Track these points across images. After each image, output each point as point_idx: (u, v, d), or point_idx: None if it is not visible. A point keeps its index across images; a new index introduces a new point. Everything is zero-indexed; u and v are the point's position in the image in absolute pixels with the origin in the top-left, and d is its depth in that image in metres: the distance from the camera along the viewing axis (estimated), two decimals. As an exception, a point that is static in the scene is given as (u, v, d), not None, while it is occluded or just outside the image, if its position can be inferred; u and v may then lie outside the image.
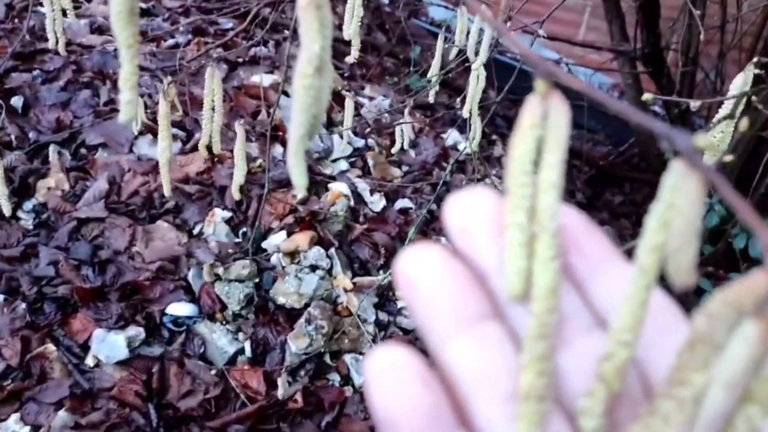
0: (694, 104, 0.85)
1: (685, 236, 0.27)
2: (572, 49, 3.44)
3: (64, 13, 1.35)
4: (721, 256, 2.38)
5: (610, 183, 3.04)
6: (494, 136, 2.75)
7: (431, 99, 1.61)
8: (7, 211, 1.32)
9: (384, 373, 0.28)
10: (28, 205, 1.90)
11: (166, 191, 1.16)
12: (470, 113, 1.38)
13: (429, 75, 1.56)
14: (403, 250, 0.30)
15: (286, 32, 2.66)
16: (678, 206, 0.27)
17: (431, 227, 2.12)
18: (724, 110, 0.95)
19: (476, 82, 1.30)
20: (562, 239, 0.31)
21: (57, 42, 1.32)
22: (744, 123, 0.87)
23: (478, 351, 0.29)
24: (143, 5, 2.61)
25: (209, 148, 1.24)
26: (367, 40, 2.97)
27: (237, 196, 1.25)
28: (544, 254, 0.30)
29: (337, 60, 2.76)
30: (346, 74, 2.70)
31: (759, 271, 0.24)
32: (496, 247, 0.30)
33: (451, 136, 2.49)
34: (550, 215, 0.30)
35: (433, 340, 0.29)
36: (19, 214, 1.88)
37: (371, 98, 2.49)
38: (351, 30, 1.11)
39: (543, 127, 0.32)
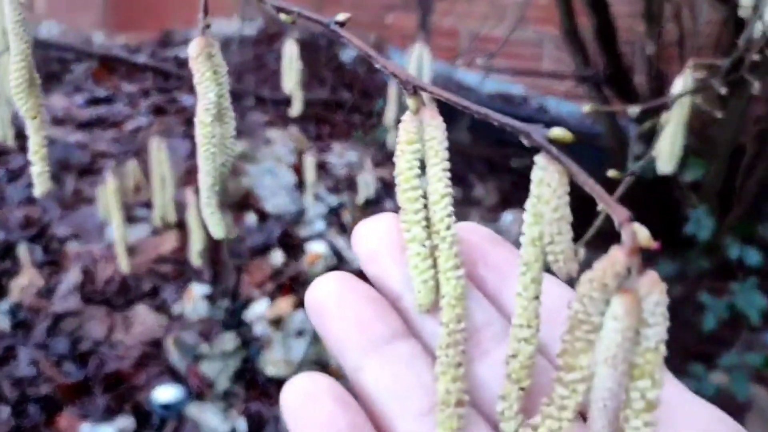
0: (632, 110, 0.84)
1: (556, 226, 0.28)
2: (538, 82, 3.48)
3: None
4: (718, 268, 2.36)
5: (592, 207, 3.03)
6: (473, 179, 2.75)
7: (390, 144, 1.61)
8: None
9: (299, 402, 0.28)
10: (4, 306, 1.86)
11: (122, 263, 1.14)
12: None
13: (385, 122, 1.55)
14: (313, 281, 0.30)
15: (248, 102, 2.67)
16: (544, 197, 0.28)
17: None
18: (671, 114, 0.94)
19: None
20: (471, 253, 0.32)
21: (6, 136, 1.30)
22: (665, 117, 0.86)
23: (390, 370, 0.29)
24: (102, 93, 2.62)
25: (164, 219, 1.22)
26: (332, 98, 2.99)
27: (197, 262, 1.22)
28: (446, 264, 0.31)
29: (303, 122, 2.77)
30: (313, 134, 2.70)
31: (617, 247, 0.25)
32: (403, 267, 0.31)
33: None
34: (445, 225, 0.31)
35: (347, 365, 0.30)
36: (-5, 316, 1.84)
37: (340, 155, 2.48)
38: (291, 83, 1.09)
39: (422, 141, 0.33)
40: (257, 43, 3.25)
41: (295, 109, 1.28)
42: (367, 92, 2.86)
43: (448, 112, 0.34)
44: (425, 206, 0.32)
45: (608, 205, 0.26)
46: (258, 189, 2.16)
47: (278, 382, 1.73)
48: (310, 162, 1.64)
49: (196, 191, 1.24)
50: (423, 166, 0.34)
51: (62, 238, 2.02)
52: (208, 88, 0.43)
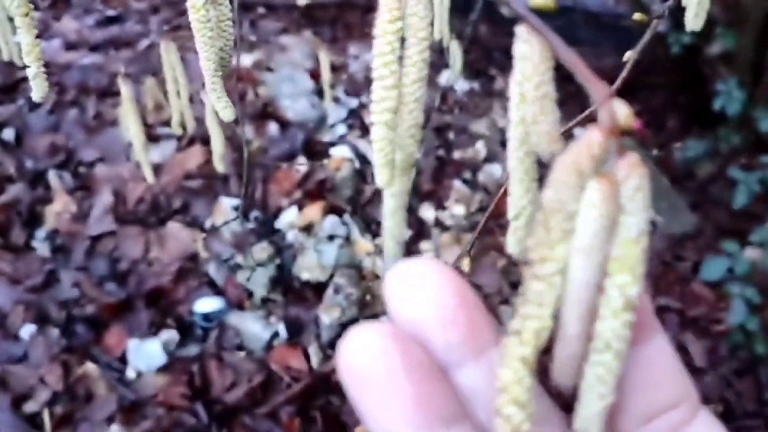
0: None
1: (539, 105, 0.26)
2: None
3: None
4: (749, 144, 2.32)
5: (623, 94, 2.96)
6: (493, 71, 2.69)
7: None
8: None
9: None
10: (41, 233, 1.90)
11: (148, 177, 1.15)
12: (442, 38, 1.34)
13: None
14: (348, 333, 0.26)
15: (260, 10, 2.62)
16: (527, 74, 0.26)
17: (443, 172, 2.09)
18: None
19: (440, 3, 1.26)
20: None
21: (11, 54, 1.29)
22: None
23: None
24: (112, 12, 2.58)
25: (183, 126, 1.22)
26: (346, 0, 2.91)
27: (220, 168, 1.22)
28: (407, 147, 0.31)
29: (317, 26, 2.71)
30: (327, 38, 2.65)
31: (593, 127, 0.23)
32: (451, 337, 0.26)
33: (445, 77, 2.43)
34: (411, 109, 0.31)
35: None
36: (34, 243, 1.89)
37: (356, 57, 2.44)
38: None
39: (402, 18, 0.30)
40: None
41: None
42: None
43: (464, 4, 0.32)
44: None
45: (587, 80, 0.24)
46: (277, 97, 2.14)
47: (314, 286, 1.77)
48: (325, 60, 1.61)
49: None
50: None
51: (89, 162, 2.04)
52: None
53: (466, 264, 0.62)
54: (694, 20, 0.97)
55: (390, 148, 0.31)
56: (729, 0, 2.46)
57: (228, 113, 0.38)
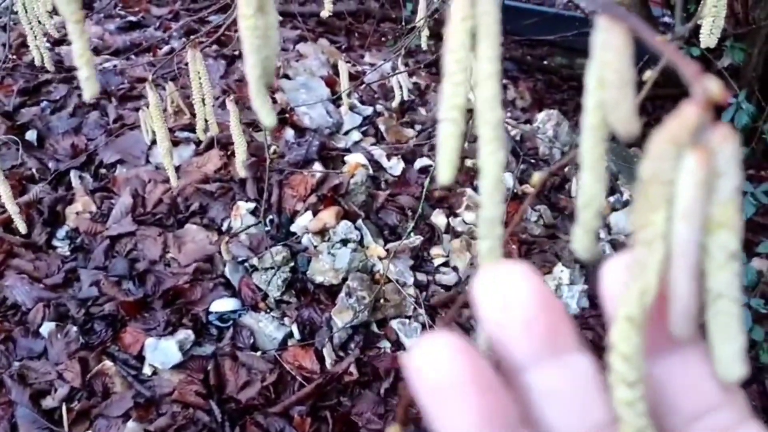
0: None
1: (620, 88, 0.28)
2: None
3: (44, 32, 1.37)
4: (760, 155, 2.34)
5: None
6: (505, 81, 2.73)
7: (423, 45, 1.60)
8: (22, 229, 1.36)
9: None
10: (61, 232, 1.94)
11: (173, 181, 1.18)
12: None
13: (416, 21, 1.55)
14: (421, 340, 0.27)
15: (278, 18, 2.66)
16: (608, 61, 0.28)
17: (454, 180, 2.11)
18: None
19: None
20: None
21: (42, 59, 1.34)
22: None
23: None
24: (133, 18, 2.63)
25: (206, 131, 1.26)
26: (361, 9, 2.96)
27: (242, 173, 1.26)
28: (486, 149, 0.31)
29: (333, 35, 2.75)
30: (343, 46, 2.69)
31: (688, 101, 0.25)
32: (532, 338, 0.27)
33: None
34: (490, 107, 0.31)
35: None
36: (54, 242, 1.93)
37: (372, 65, 2.48)
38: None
39: (474, 17, 0.31)
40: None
41: (326, 10, 1.29)
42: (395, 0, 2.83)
43: None
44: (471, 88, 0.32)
45: (678, 61, 0.26)
46: (294, 104, 2.18)
47: (327, 289, 1.81)
48: (343, 68, 1.65)
49: (236, 102, 1.26)
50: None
51: (110, 164, 2.08)
52: None
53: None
54: (708, 38, 1.01)
55: (456, 146, 0.32)
56: (739, 15, 2.49)
57: (271, 120, 0.40)
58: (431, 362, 0.26)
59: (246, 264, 1.83)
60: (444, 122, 0.32)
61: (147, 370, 1.68)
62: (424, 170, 2.11)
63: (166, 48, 2.48)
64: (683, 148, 0.25)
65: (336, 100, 2.24)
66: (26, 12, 1.42)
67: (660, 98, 3.01)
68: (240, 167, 1.21)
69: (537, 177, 0.60)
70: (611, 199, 2.17)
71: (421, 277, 1.88)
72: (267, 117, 0.48)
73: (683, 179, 0.25)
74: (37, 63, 1.32)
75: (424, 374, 0.26)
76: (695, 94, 0.25)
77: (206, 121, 1.22)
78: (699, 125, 0.25)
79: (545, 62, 2.84)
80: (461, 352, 0.26)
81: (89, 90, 0.54)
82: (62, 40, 2.43)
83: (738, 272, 0.26)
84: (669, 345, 0.28)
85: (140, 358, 1.69)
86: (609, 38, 0.28)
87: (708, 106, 0.25)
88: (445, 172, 0.32)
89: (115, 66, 2.33)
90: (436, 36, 1.87)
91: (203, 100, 1.20)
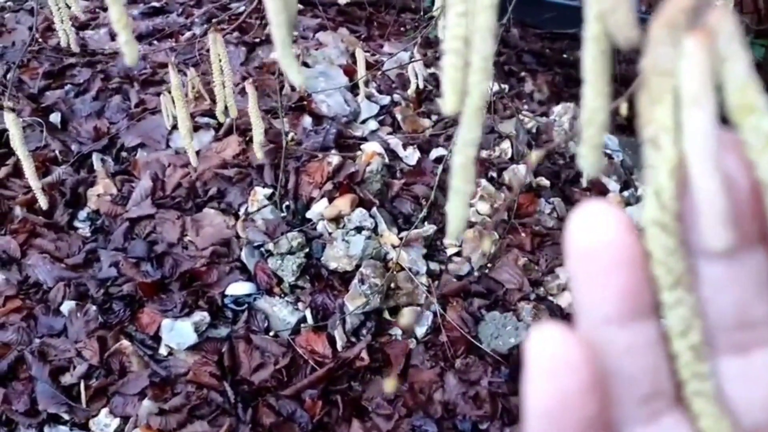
0: None
1: None
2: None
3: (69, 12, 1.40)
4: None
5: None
6: (523, 73, 2.73)
7: (441, 35, 1.62)
8: (44, 205, 1.40)
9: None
10: (83, 214, 1.99)
11: (193, 161, 1.21)
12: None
13: (434, 9, 1.56)
14: (581, 207, 0.26)
15: (299, 6, 2.68)
16: None
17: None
18: None
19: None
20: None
21: (69, 40, 1.37)
22: None
23: None
24: (156, 4, 2.66)
25: (226, 114, 1.28)
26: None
27: (260, 155, 1.28)
28: (475, 76, 0.32)
29: (353, 24, 2.77)
30: (363, 36, 2.71)
31: None
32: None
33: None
34: (482, 38, 0.31)
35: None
36: (76, 224, 1.97)
37: (391, 55, 2.50)
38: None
39: None
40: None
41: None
42: (416, -11, 2.85)
43: (499, 7, 0.34)
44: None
45: None
46: (312, 91, 2.21)
47: (341, 275, 1.83)
48: (360, 56, 1.67)
49: (255, 88, 1.28)
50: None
51: (131, 147, 2.12)
52: None
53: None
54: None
55: (460, 76, 0.32)
56: (762, 11, 2.47)
57: (299, 78, 0.42)
58: (587, 232, 0.26)
59: (262, 249, 1.86)
60: (448, 53, 0.32)
61: (163, 351, 1.72)
62: (440, 160, 2.12)
63: (188, 34, 2.51)
64: (681, 31, 0.24)
65: (354, 89, 2.26)
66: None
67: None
68: (258, 149, 1.23)
69: (535, 155, 0.62)
70: (626, 193, 2.18)
71: (434, 266, 1.90)
72: (296, 76, 0.49)
73: (685, 63, 0.24)
74: (63, 44, 1.35)
75: (578, 243, 0.26)
76: None
77: (226, 105, 1.25)
78: (695, 5, 0.24)
79: (565, 55, 2.84)
80: (619, 223, 0.25)
81: (129, 53, 0.56)
82: (87, 24, 2.47)
83: None
84: None
85: (157, 338, 1.73)
86: None
87: None
88: (450, 101, 0.33)
89: (138, 51, 2.37)
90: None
91: (223, 83, 1.23)
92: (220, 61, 1.27)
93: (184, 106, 1.18)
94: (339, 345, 1.73)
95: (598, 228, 0.25)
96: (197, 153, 1.99)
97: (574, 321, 0.27)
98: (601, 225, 0.25)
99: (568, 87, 2.62)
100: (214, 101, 2.09)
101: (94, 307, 1.77)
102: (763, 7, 2.47)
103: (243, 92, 2.02)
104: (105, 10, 2.58)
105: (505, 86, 2.44)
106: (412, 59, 2.03)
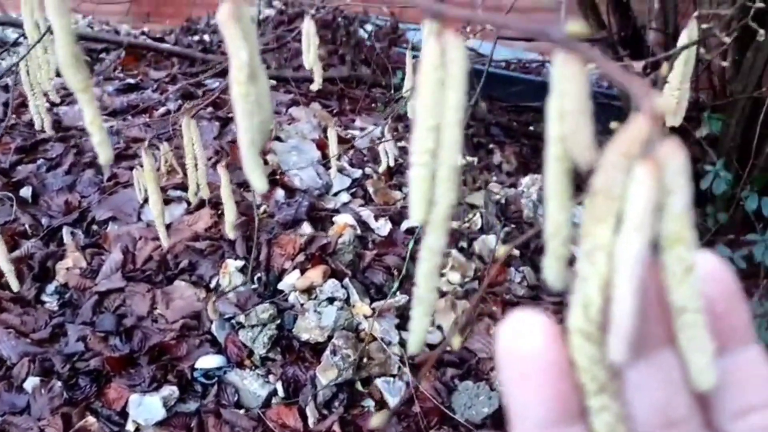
0: (637, 64, 0.88)
1: (578, 118, 0.29)
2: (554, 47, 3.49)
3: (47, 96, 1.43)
4: (739, 222, 2.38)
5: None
6: (491, 145, 2.80)
7: (410, 112, 1.67)
8: (15, 287, 1.39)
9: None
10: (51, 288, 1.96)
11: (164, 241, 1.22)
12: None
13: (403, 91, 1.61)
14: (511, 317, 0.28)
15: (272, 82, 2.74)
16: (566, 92, 0.29)
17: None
18: (676, 66, 0.98)
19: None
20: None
21: (42, 124, 1.39)
22: (665, 68, 0.89)
23: None
24: (131, 81, 2.70)
25: (198, 195, 1.30)
26: (353, 75, 3.04)
27: (231, 235, 1.30)
28: (442, 187, 0.33)
29: (325, 99, 2.83)
30: (335, 110, 2.76)
31: (638, 116, 0.26)
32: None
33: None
34: (450, 151, 0.33)
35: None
36: (43, 297, 1.95)
37: (363, 129, 2.55)
38: (310, 59, 1.16)
39: (443, 67, 0.33)
40: (277, 24, 3.32)
41: (316, 83, 1.35)
42: (386, 67, 2.92)
43: (468, 83, 0.36)
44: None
45: (628, 80, 0.27)
46: (285, 166, 2.24)
47: (313, 347, 1.82)
48: (332, 134, 1.71)
49: (227, 166, 1.30)
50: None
51: (102, 221, 2.11)
52: (239, 48, 0.47)
53: (456, 342, 0.65)
54: (673, 118, 1.06)
55: (426, 187, 0.33)
56: (717, 87, 2.57)
57: (262, 184, 0.43)
58: (519, 341, 0.27)
59: (233, 321, 1.84)
60: (416, 166, 0.34)
61: (130, 427, 1.68)
62: (411, 231, 2.14)
63: (162, 109, 2.55)
64: (634, 160, 0.25)
65: (326, 163, 2.29)
66: (28, 75, 1.48)
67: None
68: (229, 229, 1.24)
69: (503, 250, 0.63)
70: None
71: (406, 335, 1.90)
72: (258, 181, 0.51)
73: (633, 189, 0.25)
74: (37, 127, 1.37)
75: (510, 352, 0.27)
76: (645, 109, 0.26)
77: (198, 184, 1.26)
78: (649, 138, 0.26)
79: (531, 128, 2.92)
80: (546, 332, 0.27)
81: (103, 153, 0.57)
82: (62, 100, 2.50)
83: (697, 282, 0.26)
84: (720, 345, 0.28)
85: (124, 414, 1.69)
86: (566, 70, 0.29)
87: (657, 119, 0.26)
88: (417, 212, 0.34)
89: (111, 126, 2.39)
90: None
91: (196, 165, 1.25)
92: (192, 144, 1.29)
93: (156, 189, 1.20)
94: (311, 419, 1.70)
95: (527, 336, 0.27)
96: (169, 226, 1.99)
97: (511, 424, 0.28)
98: (530, 333, 0.27)
99: (535, 158, 2.68)
100: (186, 174, 2.11)
101: (59, 383, 1.73)
102: (717, 84, 2.57)
103: (216, 166, 2.04)
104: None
105: (474, 159, 2.49)
106: (383, 138, 2.07)
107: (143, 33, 3.40)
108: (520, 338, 0.27)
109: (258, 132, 0.51)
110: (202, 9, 3.64)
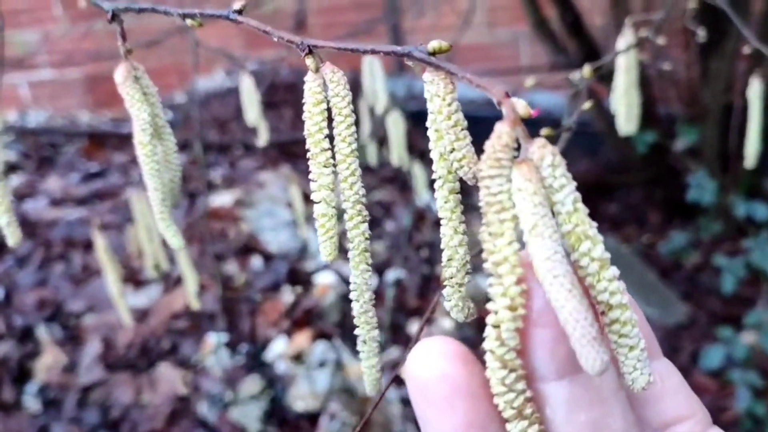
0: (585, 71, 0.86)
1: (453, 133, 0.29)
2: (520, 79, 3.51)
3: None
4: (734, 229, 2.36)
5: (599, 195, 3.02)
6: (466, 186, 2.76)
7: (372, 161, 1.64)
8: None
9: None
10: (31, 388, 1.89)
11: (126, 321, 1.17)
12: (401, 163, 1.40)
13: (361, 141, 1.58)
14: (418, 345, 0.27)
15: (237, 151, 2.72)
16: (436, 108, 0.29)
17: (428, 288, 2.11)
18: (618, 73, 0.96)
19: (395, 129, 1.33)
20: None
21: (15, 240, 1.35)
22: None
23: None
24: (95, 168, 2.67)
25: (158, 268, 1.26)
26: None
27: (195, 305, 1.26)
28: (351, 223, 0.33)
29: (294, 158, 2.80)
30: (303, 171, 2.73)
31: (500, 122, 0.26)
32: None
33: (423, 198, 2.50)
34: (350, 184, 0.33)
35: None
36: (24, 399, 1.87)
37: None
38: (253, 116, 1.13)
39: (327, 101, 0.33)
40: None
41: (262, 139, 1.32)
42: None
43: (419, 118, 0.36)
44: (335, 166, 0.34)
45: (485, 87, 0.27)
46: (259, 232, 2.19)
47: (308, 416, 1.74)
48: (296, 193, 1.68)
49: (200, 236, 1.26)
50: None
51: (78, 312, 2.05)
52: (140, 110, 0.45)
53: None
54: (626, 125, 1.03)
55: (331, 224, 0.34)
56: (688, 98, 2.57)
57: (176, 242, 0.41)
58: (425, 365, 0.26)
59: (222, 398, 1.77)
60: (317, 204, 0.34)
61: None
62: (398, 282, 2.09)
63: (126, 193, 2.50)
64: (506, 167, 0.25)
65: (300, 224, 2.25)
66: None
67: (627, 186, 3.06)
68: (193, 300, 1.21)
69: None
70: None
71: (406, 391, 1.83)
72: (173, 239, 0.48)
73: (516, 198, 0.25)
74: (10, 244, 1.32)
75: (417, 380, 0.26)
76: (505, 113, 0.26)
77: (155, 258, 1.23)
78: (513, 141, 0.25)
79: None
80: (456, 357, 0.26)
81: (12, 236, 0.55)
82: (27, 194, 2.46)
83: (615, 276, 0.25)
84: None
85: None
86: (433, 88, 0.29)
87: (518, 122, 0.25)
88: (326, 250, 0.34)
89: (77, 218, 2.35)
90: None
91: (152, 239, 1.22)
92: (145, 218, 1.26)
93: (112, 269, 1.17)
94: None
95: (434, 362, 0.26)
96: (147, 310, 1.93)
97: None
98: (438, 359, 0.26)
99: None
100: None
101: (47, 489, 1.64)
102: (686, 95, 2.57)
103: (190, 240, 1.99)
104: (44, 178, 2.58)
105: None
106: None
107: (113, 120, 3.38)
108: (427, 364, 0.26)
109: (169, 190, 0.49)
110: (158, 88, 3.63)
